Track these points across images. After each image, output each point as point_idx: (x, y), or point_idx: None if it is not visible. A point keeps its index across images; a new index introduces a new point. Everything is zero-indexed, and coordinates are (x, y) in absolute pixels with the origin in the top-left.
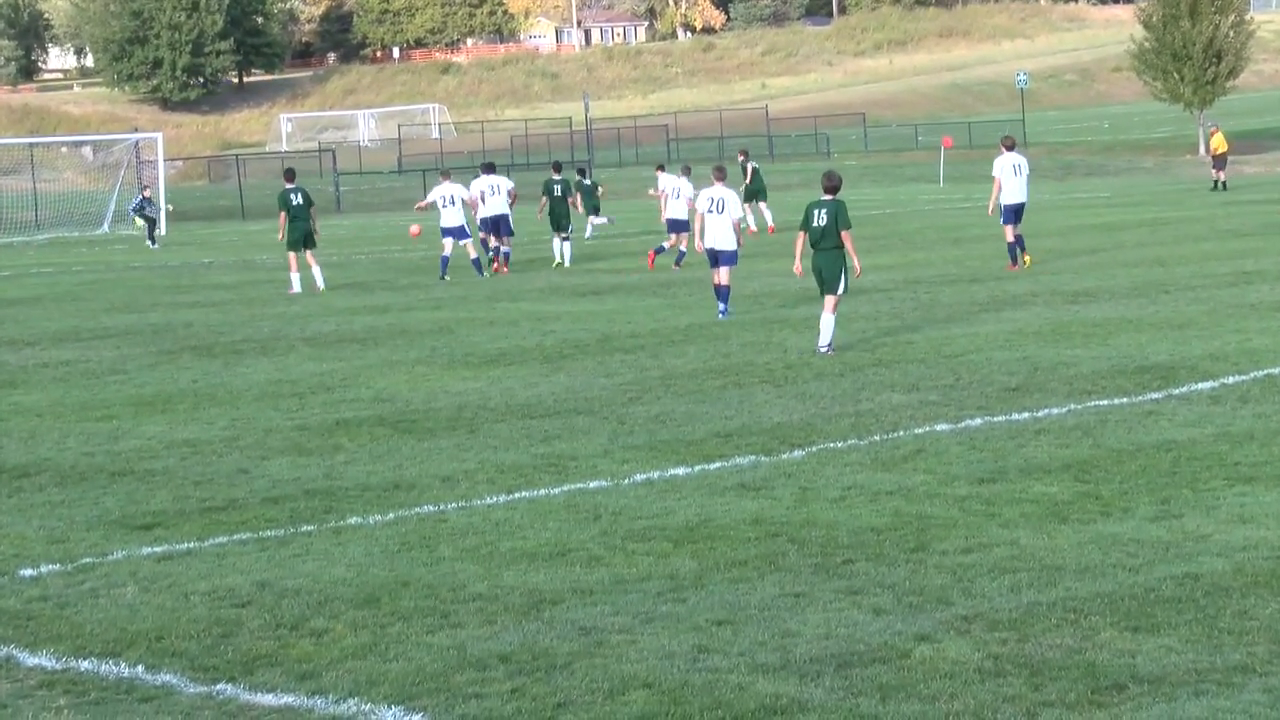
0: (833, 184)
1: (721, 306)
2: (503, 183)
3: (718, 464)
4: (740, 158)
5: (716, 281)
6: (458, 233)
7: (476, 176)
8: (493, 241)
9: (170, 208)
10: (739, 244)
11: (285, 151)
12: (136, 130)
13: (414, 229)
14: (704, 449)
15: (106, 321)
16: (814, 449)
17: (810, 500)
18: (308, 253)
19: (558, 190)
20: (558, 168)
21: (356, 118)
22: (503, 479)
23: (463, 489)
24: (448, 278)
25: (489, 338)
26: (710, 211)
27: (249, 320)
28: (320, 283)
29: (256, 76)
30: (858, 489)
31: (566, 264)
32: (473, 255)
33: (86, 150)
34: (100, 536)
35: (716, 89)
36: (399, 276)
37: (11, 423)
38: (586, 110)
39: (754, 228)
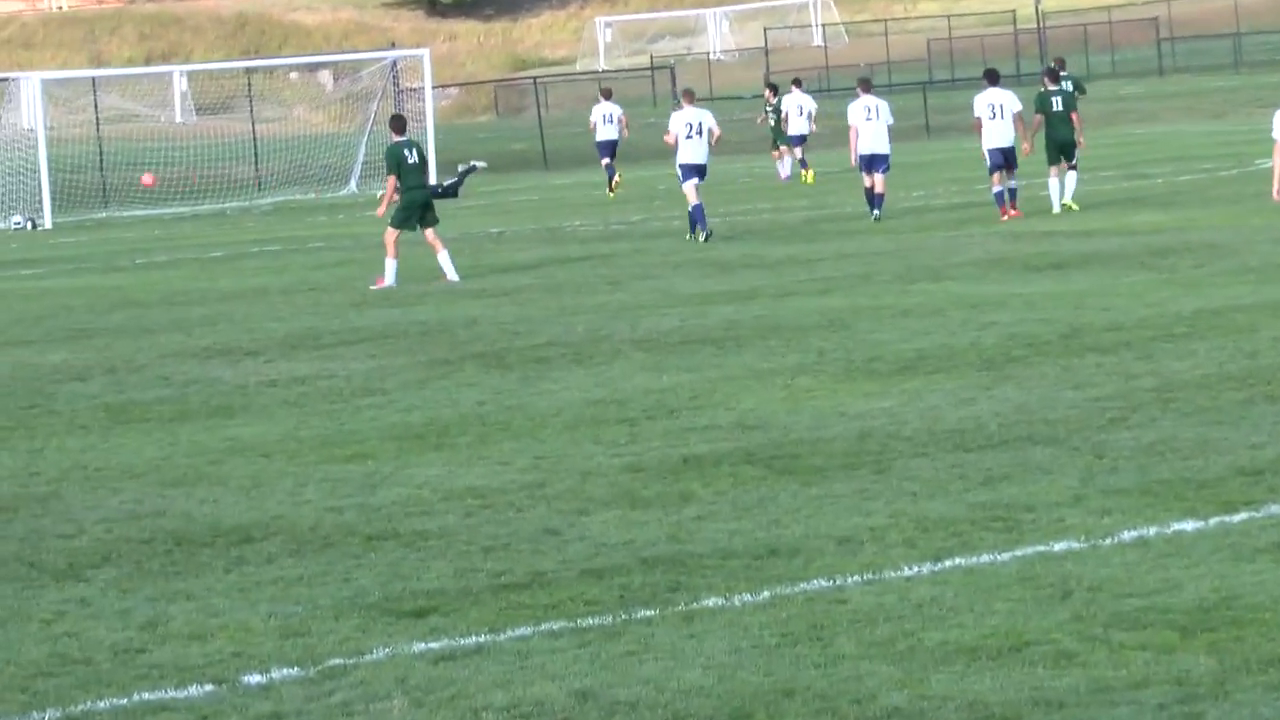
0: None
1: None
2: (881, 106)
3: (1244, 514)
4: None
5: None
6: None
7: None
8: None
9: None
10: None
11: (604, 70)
12: (394, 46)
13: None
14: (1223, 493)
15: (356, 320)
16: None
17: None
18: (427, 231)
19: (1057, 105)
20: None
21: (704, 19)
22: (926, 540)
23: (868, 555)
24: (701, 235)
25: (902, 334)
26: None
27: (556, 314)
28: (451, 274)
29: None
30: None
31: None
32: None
33: (324, 76)
34: (354, 628)
35: None
36: (770, 247)
37: (228, 465)
38: (1037, 1)
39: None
